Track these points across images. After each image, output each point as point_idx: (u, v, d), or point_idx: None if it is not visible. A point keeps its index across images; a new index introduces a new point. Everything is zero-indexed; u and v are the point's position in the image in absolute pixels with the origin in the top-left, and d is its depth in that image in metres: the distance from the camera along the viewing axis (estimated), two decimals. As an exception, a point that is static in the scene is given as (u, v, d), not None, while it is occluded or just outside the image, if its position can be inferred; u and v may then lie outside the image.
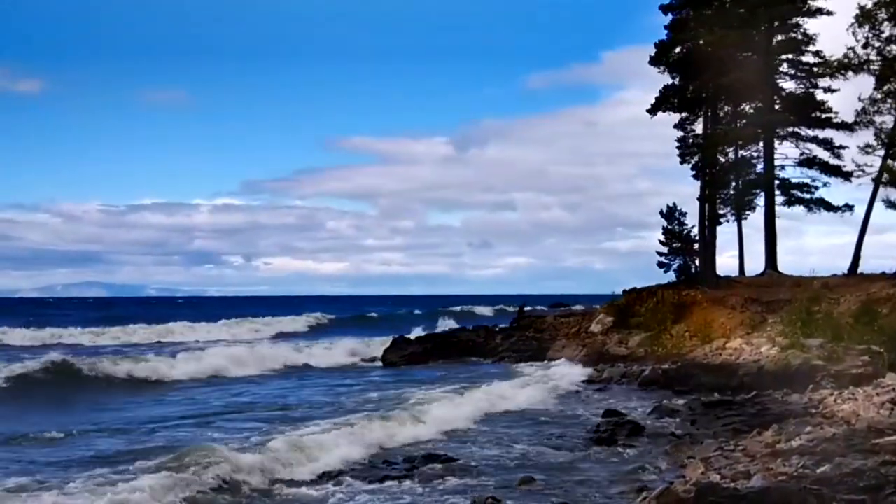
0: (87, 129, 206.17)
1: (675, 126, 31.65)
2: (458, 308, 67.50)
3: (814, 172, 31.07)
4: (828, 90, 30.30)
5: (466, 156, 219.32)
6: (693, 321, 24.80)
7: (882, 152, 29.00)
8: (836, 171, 30.59)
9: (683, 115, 31.52)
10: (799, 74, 31.03)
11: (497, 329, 32.08)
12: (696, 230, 30.17)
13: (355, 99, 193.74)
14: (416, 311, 61.90)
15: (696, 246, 30.11)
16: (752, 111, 32.02)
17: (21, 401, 18.17)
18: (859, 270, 28.07)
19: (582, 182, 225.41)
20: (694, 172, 30.70)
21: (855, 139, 29.85)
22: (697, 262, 30.06)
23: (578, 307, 38.64)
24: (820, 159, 30.86)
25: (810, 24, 30.22)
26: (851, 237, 29.25)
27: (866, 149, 29.28)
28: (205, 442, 11.86)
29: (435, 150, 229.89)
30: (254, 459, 10.78)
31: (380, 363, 28.56)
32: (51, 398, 18.74)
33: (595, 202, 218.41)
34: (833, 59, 29.37)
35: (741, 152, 32.35)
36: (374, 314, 61.29)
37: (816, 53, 30.25)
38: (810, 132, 30.90)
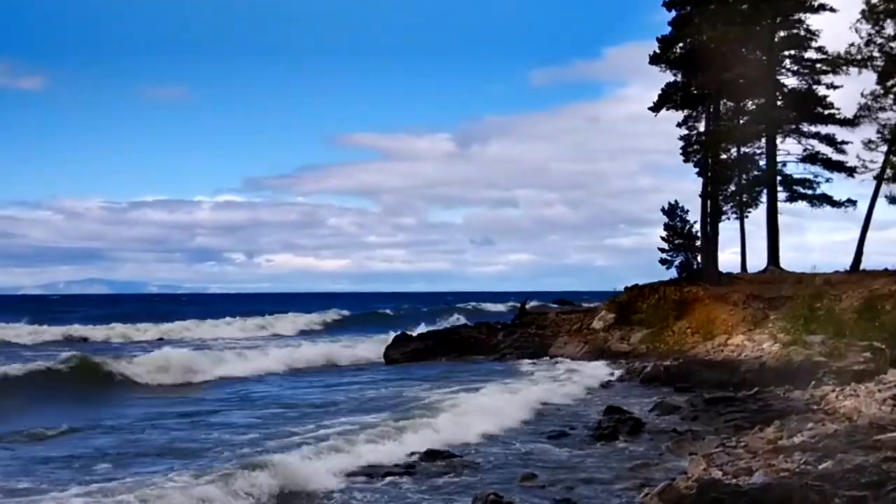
0: (89, 126, 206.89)
1: (679, 124, 31.64)
2: (469, 305, 67.42)
3: (816, 168, 31.08)
4: (830, 86, 30.30)
5: (469, 152, 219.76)
6: (695, 318, 24.81)
7: (885, 148, 28.97)
8: (838, 167, 30.56)
9: (686, 112, 31.50)
10: (801, 71, 31.00)
11: (499, 326, 32.05)
12: (698, 227, 30.17)
13: (358, 95, 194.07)
14: (424, 308, 61.69)
15: (698, 242, 30.09)
16: (754, 108, 31.98)
17: (72, 401, 17.99)
18: (862, 267, 28.06)
19: (584, 179, 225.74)
20: (697, 170, 30.68)
21: (858, 135, 29.87)
22: (699, 259, 30.04)
23: (591, 304, 38.51)
24: (823, 155, 30.84)
25: (813, 20, 30.21)
26: (854, 233, 29.29)
27: (869, 145, 29.29)
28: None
29: (437, 147, 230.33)
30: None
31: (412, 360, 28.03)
32: (118, 401, 18.55)
33: (597, 199, 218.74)
34: (835, 55, 29.36)
35: (743, 149, 32.33)
36: (388, 311, 60.79)
37: (819, 49, 30.22)
38: (813, 128, 30.88)
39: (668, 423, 14.35)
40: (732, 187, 32.09)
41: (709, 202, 30.15)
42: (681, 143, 31.42)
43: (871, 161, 29.21)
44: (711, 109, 30.62)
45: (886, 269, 26.36)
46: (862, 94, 29.06)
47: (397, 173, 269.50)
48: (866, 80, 29.18)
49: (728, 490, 8.00)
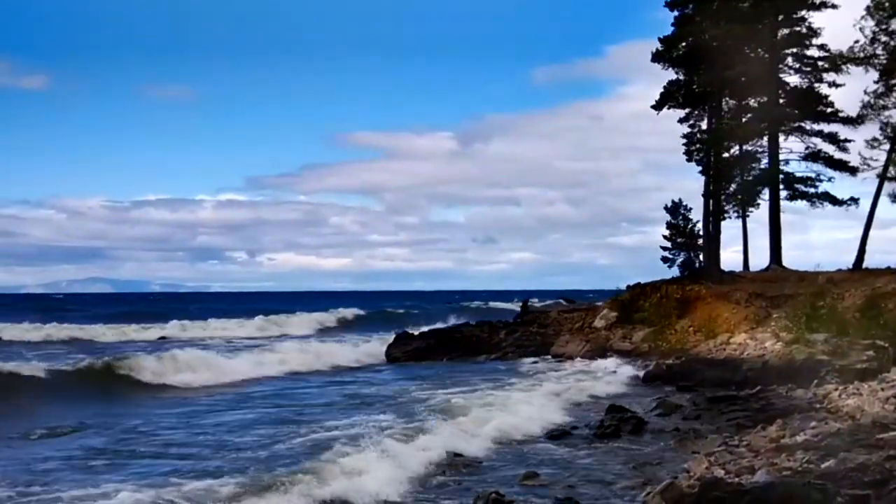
0: (92, 126, 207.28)
1: (680, 121, 31.59)
2: (475, 303, 67.15)
3: (818, 167, 31.03)
4: (832, 84, 30.24)
5: (470, 151, 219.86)
6: (697, 316, 24.78)
7: (888, 146, 28.91)
8: (841, 166, 30.51)
9: (688, 110, 31.45)
10: (804, 68, 30.95)
11: (500, 324, 32.02)
12: (700, 225, 30.12)
13: (359, 94, 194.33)
14: (431, 307, 61.44)
15: (701, 241, 30.06)
16: (756, 106, 31.93)
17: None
18: (864, 265, 28.00)
19: (586, 177, 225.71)
20: (700, 168, 30.63)
21: (860, 133, 29.82)
22: (702, 257, 30.01)
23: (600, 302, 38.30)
24: (825, 153, 30.79)
25: (815, 18, 30.15)
26: (857, 232, 29.24)
27: (872, 143, 29.23)
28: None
29: (439, 146, 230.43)
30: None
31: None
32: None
33: (599, 197, 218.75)
34: (837, 52, 29.31)
35: (746, 147, 32.28)
36: (399, 310, 60.42)
37: (821, 47, 30.17)
38: (815, 126, 30.83)
39: (671, 422, 14.32)
40: (735, 186, 32.06)
41: (711, 201, 30.11)
42: (683, 142, 31.38)
43: (874, 159, 29.18)
44: (714, 108, 30.58)
45: (889, 268, 26.29)
46: (865, 92, 29.05)
47: (399, 172, 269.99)
48: (869, 78, 29.17)
49: (730, 489, 7.98)
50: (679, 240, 30.23)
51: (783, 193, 31.00)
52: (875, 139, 29.19)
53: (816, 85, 30.64)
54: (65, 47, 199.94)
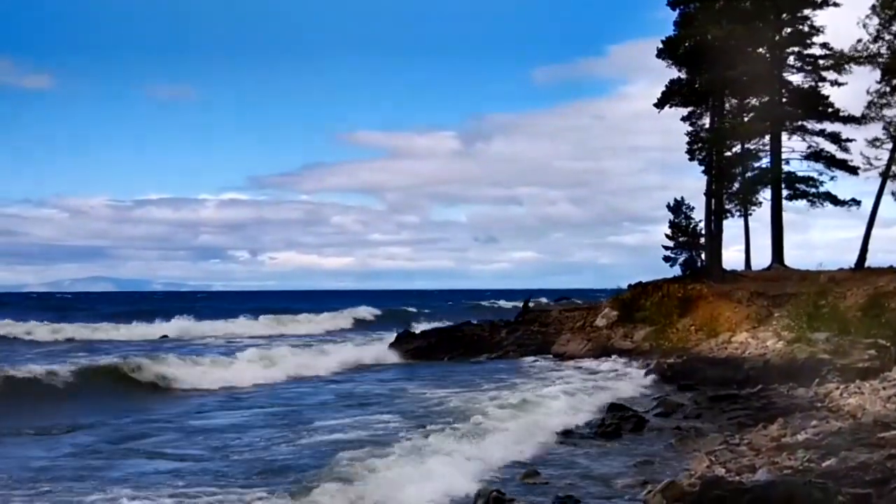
0: (94, 125, 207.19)
1: (683, 120, 31.56)
2: (485, 302, 66.82)
3: (820, 166, 30.99)
4: (835, 83, 30.19)
5: (472, 150, 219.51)
6: (699, 315, 24.76)
7: (890, 146, 28.86)
8: (842, 165, 30.48)
9: (690, 109, 31.43)
10: (806, 67, 30.91)
11: (502, 323, 32.01)
12: (702, 224, 30.10)
13: (361, 94, 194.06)
14: (437, 306, 60.89)
15: (703, 240, 30.04)
16: (759, 105, 31.90)
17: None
18: (866, 264, 27.97)
19: (588, 176, 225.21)
20: (703, 167, 30.60)
21: (863, 132, 29.77)
22: (703, 256, 29.99)
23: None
24: (827, 153, 30.76)
25: (817, 16, 30.10)
26: (859, 231, 29.19)
27: (874, 142, 29.19)
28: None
29: (441, 145, 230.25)
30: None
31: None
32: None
33: (601, 196, 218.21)
34: (839, 51, 29.27)
35: (748, 146, 32.26)
36: (412, 309, 59.80)
37: (824, 45, 30.13)
38: (818, 125, 30.79)
39: (672, 421, 14.31)
40: (736, 185, 32.04)
41: (713, 199, 30.09)
42: (686, 140, 31.35)
43: (876, 158, 29.14)
44: (716, 106, 30.55)
45: (891, 267, 26.26)
46: (867, 92, 29.01)
47: (401, 171, 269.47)
48: (872, 77, 29.13)
49: (731, 487, 7.98)
50: (681, 239, 30.21)
51: (785, 193, 30.99)
52: (877, 139, 29.17)
53: (818, 84, 30.62)
54: (67, 47, 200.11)
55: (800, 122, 31.00)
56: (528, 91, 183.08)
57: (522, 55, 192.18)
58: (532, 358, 26.01)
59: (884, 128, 29.03)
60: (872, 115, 29.05)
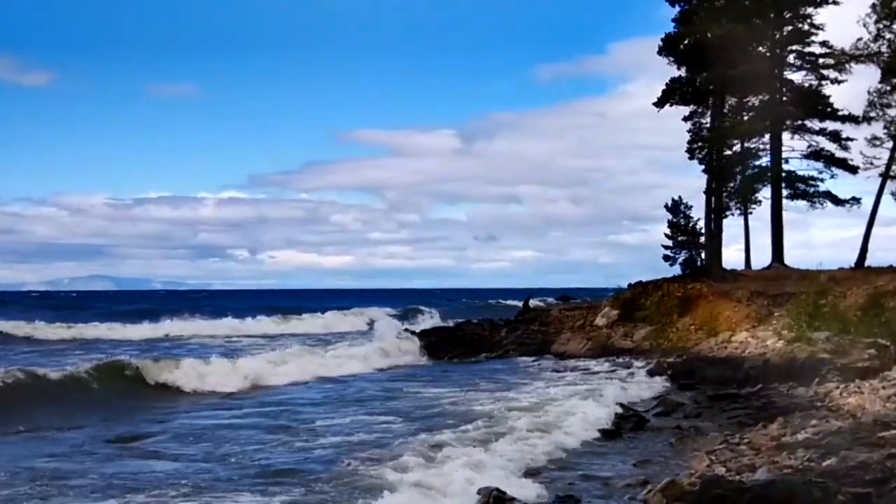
0: (94, 123, 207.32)
1: (684, 119, 31.57)
2: (496, 301, 66.48)
3: (820, 165, 31.00)
4: (835, 82, 30.19)
5: (473, 148, 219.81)
6: (698, 314, 24.77)
7: (890, 145, 28.87)
8: (842, 164, 30.49)
9: (691, 108, 31.43)
10: (806, 66, 30.91)
11: (502, 322, 32.00)
12: (701, 223, 30.10)
13: (362, 92, 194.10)
14: (447, 304, 60.29)
15: (702, 239, 30.04)
16: (759, 104, 31.90)
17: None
18: (867, 263, 28.00)
19: (588, 175, 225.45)
20: (703, 166, 30.62)
21: (863, 132, 29.80)
22: (703, 256, 30.00)
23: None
24: (827, 152, 30.77)
25: (818, 15, 30.09)
26: (859, 230, 29.23)
27: (874, 141, 29.21)
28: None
29: (442, 143, 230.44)
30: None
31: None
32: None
33: (601, 195, 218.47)
34: (840, 50, 29.27)
35: (747, 145, 32.26)
36: (425, 308, 59.13)
37: (824, 44, 30.13)
38: (818, 124, 30.80)
39: (672, 420, 14.31)
40: (736, 183, 32.04)
41: (713, 198, 30.09)
42: (688, 139, 31.36)
43: (876, 157, 29.16)
44: (716, 105, 30.55)
45: (892, 266, 26.28)
46: (868, 91, 29.02)
47: (401, 170, 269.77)
48: (873, 76, 29.15)
49: (731, 486, 7.99)
50: (681, 238, 30.22)
51: (785, 192, 31.00)
52: (877, 138, 29.19)
53: (819, 83, 30.62)
54: (67, 44, 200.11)
55: (800, 121, 31.00)
56: (529, 89, 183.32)
57: (523, 53, 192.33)
58: (532, 357, 25.95)
59: (884, 127, 29.07)
60: (873, 114, 29.08)
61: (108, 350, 30.10)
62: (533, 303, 37.48)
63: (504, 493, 9.08)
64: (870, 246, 28.58)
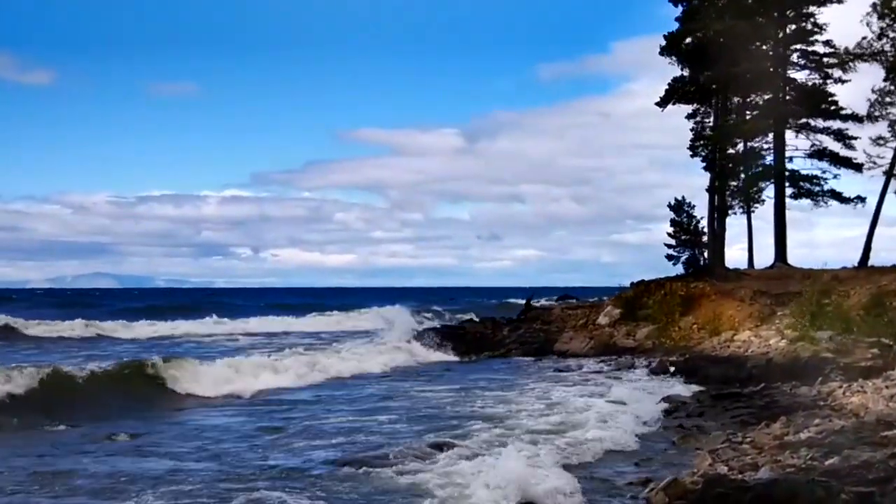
0: (97, 121, 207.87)
1: (687, 117, 31.55)
2: (510, 299, 66.28)
3: (824, 164, 30.98)
4: (839, 81, 30.14)
5: (476, 147, 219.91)
6: (701, 313, 24.75)
7: (894, 144, 28.82)
8: (846, 163, 30.45)
9: (694, 106, 31.41)
10: (810, 65, 30.88)
11: (504, 321, 31.98)
12: (704, 222, 30.07)
13: (365, 91, 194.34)
14: (459, 302, 59.88)
15: (705, 238, 30.01)
16: (762, 102, 31.87)
17: None
18: (870, 263, 27.96)
19: (591, 174, 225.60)
20: (705, 164, 30.60)
21: (867, 130, 29.77)
22: (706, 255, 29.97)
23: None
24: (830, 151, 30.73)
25: (821, 14, 30.05)
26: (863, 229, 29.20)
27: (878, 140, 29.16)
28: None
29: (445, 142, 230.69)
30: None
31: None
32: None
33: (604, 194, 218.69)
34: (843, 49, 29.24)
35: (751, 144, 32.23)
36: (437, 308, 58.82)
37: (827, 43, 30.08)
38: (822, 123, 30.76)
39: (674, 419, 14.28)
40: (740, 182, 32.02)
41: (716, 197, 30.06)
42: (690, 138, 31.35)
43: (879, 157, 29.12)
44: (719, 104, 30.52)
45: (895, 266, 26.23)
46: (872, 90, 28.98)
47: (404, 169, 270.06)
48: (878, 75, 29.10)
49: (734, 485, 7.97)
50: (684, 237, 30.19)
51: (788, 191, 30.97)
52: (881, 137, 29.15)
53: (823, 82, 30.57)
54: (70, 43, 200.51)
55: (804, 120, 30.96)
56: (531, 88, 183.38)
57: (525, 52, 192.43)
58: (534, 357, 25.89)
59: (888, 126, 29.02)
60: (877, 113, 29.03)
61: (131, 349, 29.88)
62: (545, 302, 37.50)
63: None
64: (873, 245, 28.59)
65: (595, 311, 29.35)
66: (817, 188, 30.87)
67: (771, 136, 31.39)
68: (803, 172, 31.12)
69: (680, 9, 30.36)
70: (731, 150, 31.42)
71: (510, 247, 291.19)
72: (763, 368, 18.53)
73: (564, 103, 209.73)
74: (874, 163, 29.24)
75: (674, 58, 30.37)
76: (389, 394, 17.92)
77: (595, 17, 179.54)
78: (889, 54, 28.27)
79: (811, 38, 30.32)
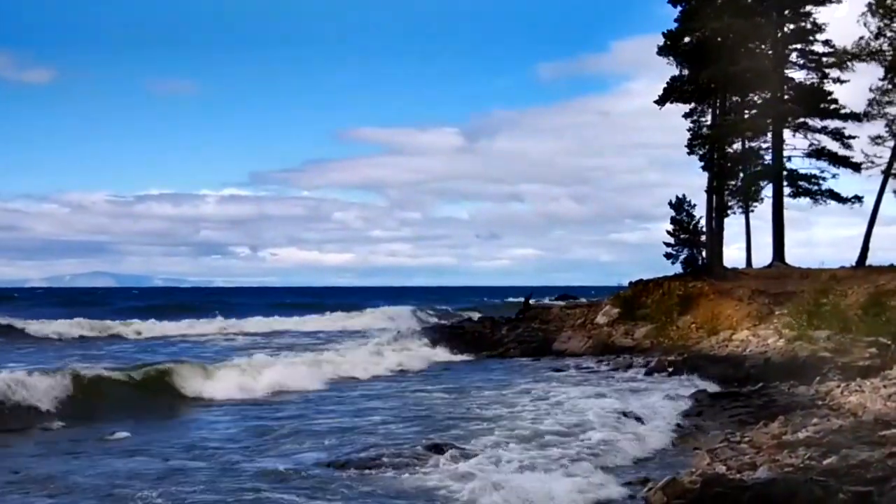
0: (96, 120, 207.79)
1: (684, 116, 31.54)
2: (511, 298, 66.34)
3: (822, 163, 31.02)
4: (837, 80, 30.17)
5: (475, 146, 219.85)
6: (700, 313, 24.77)
7: (892, 143, 28.85)
8: (844, 162, 30.49)
9: (693, 105, 31.42)
10: (808, 64, 30.91)
11: (503, 320, 31.98)
12: (703, 222, 30.08)
13: (364, 89, 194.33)
14: (466, 301, 59.64)
15: (704, 237, 30.03)
16: (761, 102, 31.89)
17: None
18: (868, 262, 28.00)
19: (590, 173, 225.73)
20: (703, 164, 30.61)
21: (865, 130, 29.81)
22: (704, 254, 29.99)
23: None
24: (829, 150, 30.77)
25: (820, 13, 30.08)
26: (860, 229, 29.25)
27: (876, 140, 29.19)
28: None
29: (445, 141, 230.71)
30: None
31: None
32: None
33: (603, 193, 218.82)
34: (842, 49, 29.26)
35: (749, 143, 32.27)
36: (436, 307, 58.42)
37: (826, 42, 30.10)
38: (820, 123, 30.79)
39: (674, 418, 14.28)
40: (738, 182, 32.04)
41: (714, 197, 30.08)
42: (688, 136, 31.34)
43: (877, 156, 29.16)
44: (717, 103, 30.53)
45: (893, 265, 26.30)
46: (870, 89, 29.01)
47: (403, 168, 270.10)
48: (875, 74, 29.14)
49: (732, 485, 7.99)
50: (682, 236, 30.22)
51: (787, 190, 31.02)
52: (879, 136, 29.18)
53: (821, 81, 30.59)
54: (69, 41, 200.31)
55: (802, 119, 31.00)
56: (531, 87, 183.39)
57: (525, 51, 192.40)
58: (532, 356, 25.84)
59: (886, 125, 29.05)
60: (875, 112, 29.06)
61: (147, 348, 29.80)
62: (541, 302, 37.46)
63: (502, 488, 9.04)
64: (871, 245, 28.62)
65: (593, 310, 29.37)
66: (815, 187, 30.93)
67: (769, 135, 31.42)
68: (801, 172, 31.19)
69: (679, 8, 30.37)
70: (729, 150, 31.44)
71: (509, 246, 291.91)
72: (761, 368, 18.54)
73: (564, 102, 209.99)
74: (872, 162, 29.33)
75: (672, 57, 30.37)
76: (389, 394, 17.92)
77: (594, 17, 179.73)
78: (887, 53, 28.30)
79: (810, 38, 30.35)
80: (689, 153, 30.93)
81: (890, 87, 28.78)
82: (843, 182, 43.57)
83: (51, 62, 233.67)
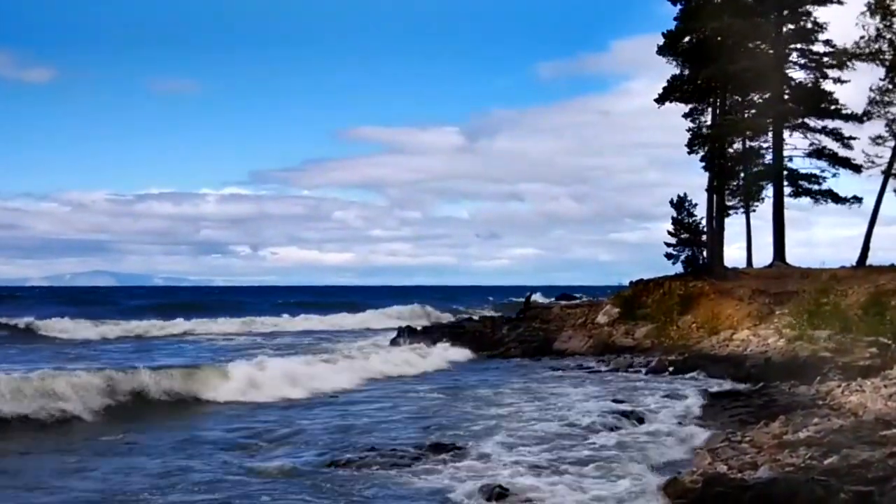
0: (96, 119, 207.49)
1: (684, 115, 31.53)
2: (514, 298, 66.34)
3: (822, 163, 31.02)
4: (837, 80, 30.16)
5: (475, 146, 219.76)
6: (700, 312, 24.78)
7: (892, 143, 28.85)
8: (845, 163, 30.49)
9: (693, 105, 31.41)
10: (809, 64, 30.90)
11: (503, 319, 31.99)
12: (704, 221, 30.08)
13: (364, 89, 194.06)
14: (476, 299, 59.39)
15: (704, 237, 30.04)
16: (761, 101, 31.89)
17: None
18: (868, 262, 28.01)
19: (590, 173, 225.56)
20: (704, 164, 30.61)
21: (865, 130, 29.81)
22: (705, 254, 30.00)
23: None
24: (829, 150, 30.78)
25: (820, 13, 30.08)
26: (862, 229, 29.26)
27: (876, 140, 29.19)
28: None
29: (445, 140, 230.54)
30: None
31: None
32: None
33: (603, 193, 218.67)
34: (842, 48, 29.26)
35: (750, 143, 32.27)
36: (458, 307, 56.75)
37: (826, 42, 30.10)
38: (820, 122, 30.79)
39: (673, 418, 14.29)
40: (739, 182, 32.05)
41: (715, 196, 30.08)
42: (688, 136, 31.33)
43: (878, 156, 29.16)
44: (718, 103, 30.53)
45: (893, 265, 26.31)
46: (870, 89, 29.01)
47: (403, 167, 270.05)
48: (876, 74, 29.14)
49: (733, 484, 8.01)
50: (683, 236, 30.22)
51: (787, 190, 31.02)
52: (879, 136, 29.18)
53: (821, 81, 30.59)
54: (69, 40, 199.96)
55: (802, 119, 31.00)
56: (531, 87, 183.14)
57: (525, 50, 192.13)
58: (533, 356, 25.78)
59: (886, 125, 29.05)
60: (875, 112, 29.06)
61: (175, 348, 29.88)
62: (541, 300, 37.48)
63: (506, 488, 9.09)
64: (871, 245, 28.64)
65: (594, 310, 29.39)
66: (815, 187, 30.95)
67: (770, 135, 31.43)
68: (802, 171, 31.21)
69: (678, 8, 30.36)
70: (730, 150, 31.45)
71: (509, 245, 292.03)
72: (762, 367, 18.57)
73: (564, 102, 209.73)
74: (872, 162, 29.33)
75: (672, 57, 30.36)
76: (389, 393, 17.92)
77: (594, 16, 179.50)
78: (887, 53, 28.29)
79: (810, 38, 30.35)
80: (689, 153, 30.94)
81: (890, 87, 28.78)
82: (844, 182, 43.60)
83: (51, 62, 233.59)
